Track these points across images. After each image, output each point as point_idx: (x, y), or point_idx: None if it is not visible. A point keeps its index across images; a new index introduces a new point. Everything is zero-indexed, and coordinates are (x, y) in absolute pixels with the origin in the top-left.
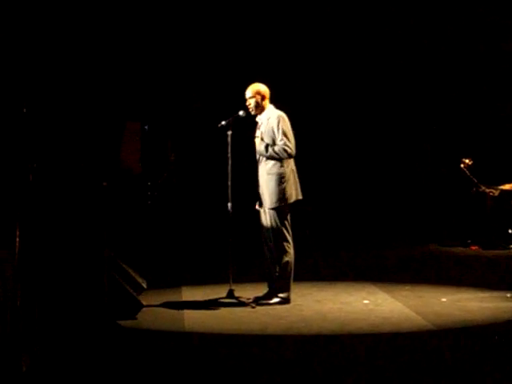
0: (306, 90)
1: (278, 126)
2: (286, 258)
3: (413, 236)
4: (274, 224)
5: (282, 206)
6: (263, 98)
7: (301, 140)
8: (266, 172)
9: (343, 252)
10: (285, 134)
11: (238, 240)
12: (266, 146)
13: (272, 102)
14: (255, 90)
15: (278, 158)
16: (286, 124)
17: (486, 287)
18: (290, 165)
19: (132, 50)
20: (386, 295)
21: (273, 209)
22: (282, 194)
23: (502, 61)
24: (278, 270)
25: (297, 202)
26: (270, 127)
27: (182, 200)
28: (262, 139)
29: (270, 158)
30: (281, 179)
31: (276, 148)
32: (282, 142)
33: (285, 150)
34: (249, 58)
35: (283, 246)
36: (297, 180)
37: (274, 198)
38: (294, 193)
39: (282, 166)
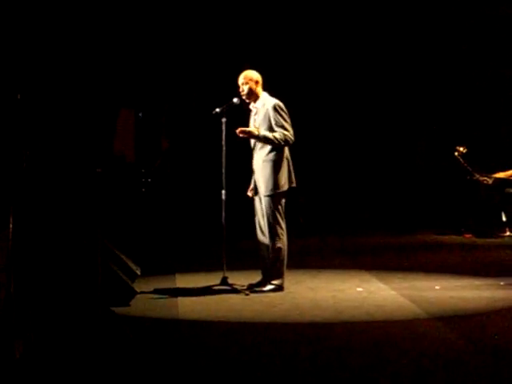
0: (300, 82)
1: (276, 113)
2: (280, 245)
3: (406, 224)
4: (268, 211)
5: (277, 193)
6: (256, 84)
7: (295, 129)
8: (262, 159)
9: (337, 239)
10: (284, 122)
11: (231, 227)
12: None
13: (265, 90)
14: (248, 76)
15: (276, 145)
16: (284, 112)
17: (480, 275)
18: (285, 152)
19: (126, 36)
20: (379, 283)
21: (268, 196)
22: (276, 181)
23: (497, 50)
24: (271, 256)
25: (290, 190)
26: (267, 115)
27: (176, 187)
28: (256, 127)
29: (267, 142)
30: (276, 166)
31: (276, 134)
32: (281, 130)
33: (283, 138)
34: (243, 46)
35: (277, 232)
36: (291, 168)
37: (270, 185)
38: (288, 180)
39: (277, 154)
